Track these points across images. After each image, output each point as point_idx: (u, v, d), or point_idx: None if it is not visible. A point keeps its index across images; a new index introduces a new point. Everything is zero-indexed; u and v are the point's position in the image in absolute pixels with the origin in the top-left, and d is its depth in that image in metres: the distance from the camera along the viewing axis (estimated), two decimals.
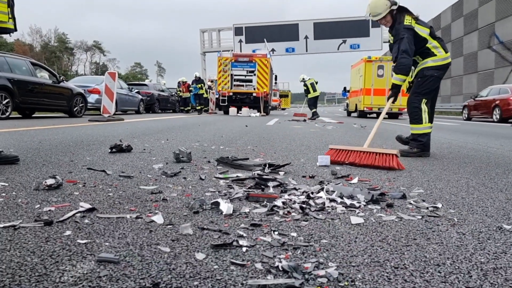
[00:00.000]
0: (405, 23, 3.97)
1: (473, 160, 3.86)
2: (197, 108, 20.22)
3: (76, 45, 78.17)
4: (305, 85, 16.56)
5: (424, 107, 4.10)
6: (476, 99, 17.86)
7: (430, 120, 4.19)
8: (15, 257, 1.21)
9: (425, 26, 4.06)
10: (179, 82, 21.89)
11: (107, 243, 1.34)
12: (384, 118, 17.89)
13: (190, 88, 20.99)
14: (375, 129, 3.96)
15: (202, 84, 20.60)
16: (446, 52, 4.11)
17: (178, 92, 22.01)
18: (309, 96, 16.61)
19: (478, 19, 26.42)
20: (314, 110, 16.24)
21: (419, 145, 4.07)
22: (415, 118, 4.12)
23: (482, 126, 12.07)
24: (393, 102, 4.21)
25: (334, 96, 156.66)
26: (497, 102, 15.81)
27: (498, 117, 15.67)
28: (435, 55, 4.06)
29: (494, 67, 24.67)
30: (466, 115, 18.72)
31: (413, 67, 4.20)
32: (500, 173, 3.11)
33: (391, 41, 4.18)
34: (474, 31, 26.93)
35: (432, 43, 4.07)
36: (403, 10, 4.08)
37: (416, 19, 4.03)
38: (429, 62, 4.07)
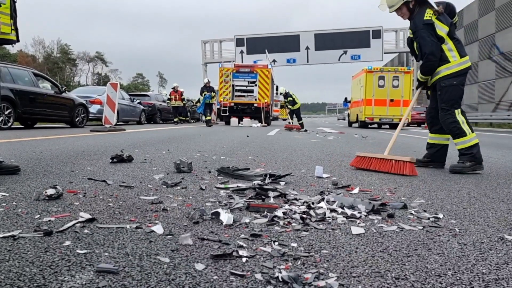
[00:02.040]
0: (424, 18, 3.66)
1: None
2: (207, 118, 17.50)
3: (79, 56, 78.74)
4: (290, 96, 16.61)
5: (460, 118, 3.73)
6: None
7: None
8: (14, 267, 1.20)
9: (446, 23, 3.69)
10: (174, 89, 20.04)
11: (106, 254, 1.34)
12: (386, 128, 17.75)
13: (183, 96, 20.16)
14: (397, 133, 4.07)
15: (213, 93, 18.35)
16: (462, 56, 3.73)
17: (168, 101, 20.27)
18: (296, 107, 16.63)
19: (479, 30, 26.59)
20: (301, 121, 16.26)
21: (470, 158, 3.64)
22: (457, 133, 3.73)
23: (484, 136, 12.06)
24: (423, 89, 4.10)
25: (335, 107, 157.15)
26: None
27: None
28: (449, 61, 3.72)
29: (495, 77, 24.74)
30: None
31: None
32: (501, 183, 3.10)
33: (410, 35, 3.92)
34: (474, 42, 27.08)
35: (447, 44, 3.72)
36: (424, 3, 3.76)
37: (438, 13, 3.68)
38: (443, 71, 3.75)
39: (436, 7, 3.72)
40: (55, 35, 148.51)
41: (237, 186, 2.60)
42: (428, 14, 3.68)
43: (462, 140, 3.73)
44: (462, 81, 3.78)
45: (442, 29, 3.69)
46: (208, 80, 18.57)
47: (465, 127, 3.72)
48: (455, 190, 2.75)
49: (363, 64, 29.37)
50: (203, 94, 17.86)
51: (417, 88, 4.24)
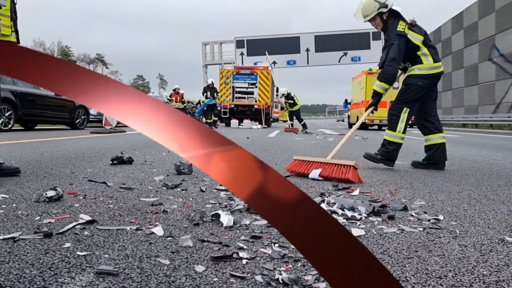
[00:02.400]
0: (398, 29, 3.84)
1: (475, 172, 3.85)
2: (209, 121, 17.18)
3: (79, 58, 78.81)
4: (291, 97, 16.51)
5: (403, 116, 3.95)
6: None
7: (440, 130, 4.06)
8: (14, 269, 1.20)
9: (419, 33, 3.91)
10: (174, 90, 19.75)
11: (106, 255, 1.33)
12: (383, 129, 17.68)
13: (183, 99, 20.05)
14: (346, 138, 3.83)
15: (216, 93, 17.93)
16: (435, 61, 3.92)
17: (169, 102, 19.60)
18: (295, 108, 16.59)
19: (478, 31, 26.58)
20: (303, 122, 16.22)
21: (384, 152, 3.94)
22: (391, 124, 4.00)
23: (485, 138, 12.06)
24: (372, 112, 4.11)
25: (335, 108, 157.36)
26: None
27: None
28: (422, 63, 3.91)
29: (495, 79, 24.74)
30: None
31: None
32: (502, 185, 3.09)
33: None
34: (474, 44, 27.08)
35: (422, 50, 3.92)
36: (397, 16, 3.94)
37: (411, 25, 3.89)
38: (415, 70, 3.93)
39: (408, 20, 3.92)
40: (55, 37, 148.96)
41: None
42: (401, 26, 3.87)
43: (389, 133, 4.00)
44: (427, 84, 3.93)
45: (417, 38, 3.90)
46: (212, 82, 18.33)
47: (401, 125, 3.96)
48: (456, 191, 2.75)
49: (363, 65, 29.38)
50: (204, 95, 17.77)
51: (368, 108, 4.11)
